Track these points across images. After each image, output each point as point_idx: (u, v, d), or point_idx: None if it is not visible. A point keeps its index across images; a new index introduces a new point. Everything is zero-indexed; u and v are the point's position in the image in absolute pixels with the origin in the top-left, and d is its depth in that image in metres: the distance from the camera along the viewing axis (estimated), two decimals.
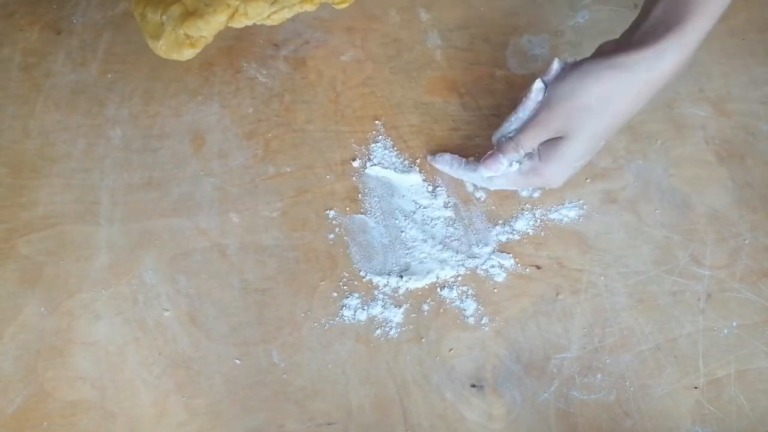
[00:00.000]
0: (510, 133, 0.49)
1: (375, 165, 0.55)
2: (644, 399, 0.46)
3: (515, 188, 0.53)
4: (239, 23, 0.43)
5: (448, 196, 0.54)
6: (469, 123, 0.58)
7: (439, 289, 0.50)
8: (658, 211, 0.53)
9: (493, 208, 0.54)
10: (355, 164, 0.56)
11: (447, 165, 0.54)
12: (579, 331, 0.48)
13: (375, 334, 0.48)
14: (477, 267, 0.51)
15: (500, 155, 0.50)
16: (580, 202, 0.54)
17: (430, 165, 0.55)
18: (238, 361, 0.47)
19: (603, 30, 0.62)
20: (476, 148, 0.56)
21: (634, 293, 0.50)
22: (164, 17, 0.42)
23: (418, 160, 0.56)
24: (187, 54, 0.42)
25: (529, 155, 0.49)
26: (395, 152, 0.56)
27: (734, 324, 0.49)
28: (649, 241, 0.52)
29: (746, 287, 0.50)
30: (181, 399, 0.46)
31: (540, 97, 0.47)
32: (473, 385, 0.46)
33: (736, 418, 0.45)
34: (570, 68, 0.46)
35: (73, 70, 0.60)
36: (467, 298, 0.50)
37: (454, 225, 0.53)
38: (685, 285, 0.50)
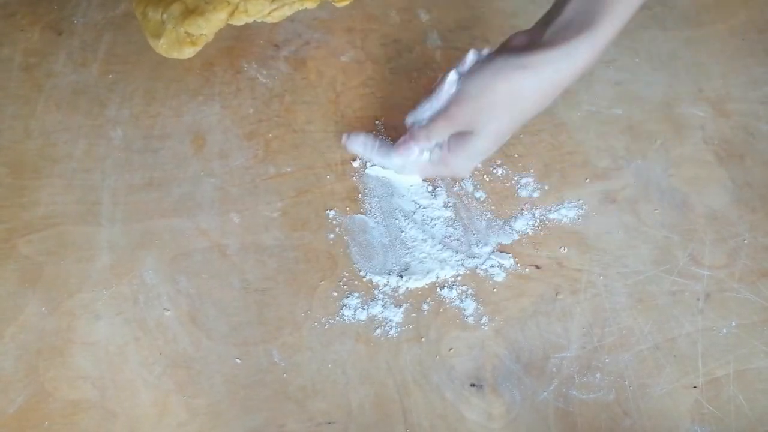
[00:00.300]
0: (423, 121, 0.50)
1: (375, 165, 0.55)
2: (643, 398, 0.46)
3: (423, 176, 0.54)
4: (239, 21, 0.43)
5: (448, 196, 0.54)
6: None
7: (438, 289, 0.50)
8: (657, 211, 0.53)
9: (492, 208, 0.54)
10: (355, 164, 0.56)
11: (360, 146, 0.54)
12: (578, 331, 0.48)
13: (375, 334, 0.48)
14: (477, 267, 0.51)
15: (413, 143, 0.51)
16: (580, 202, 0.54)
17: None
18: (238, 361, 0.47)
19: None
20: None
21: (633, 293, 0.50)
22: (165, 16, 0.42)
23: None
24: (188, 52, 0.42)
25: (439, 145, 0.50)
26: None
27: (733, 324, 0.49)
28: (648, 241, 0.52)
29: (745, 287, 0.50)
30: (181, 399, 0.46)
31: (453, 90, 0.47)
32: (473, 385, 0.47)
33: (735, 417, 0.45)
34: (482, 63, 0.46)
35: (74, 71, 0.60)
36: (467, 297, 0.50)
37: (454, 225, 0.53)
38: (684, 285, 0.50)
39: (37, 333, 0.48)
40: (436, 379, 0.47)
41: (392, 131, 0.57)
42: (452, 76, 0.47)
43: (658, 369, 0.47)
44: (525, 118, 0.47)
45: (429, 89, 0.49)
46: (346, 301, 0.49)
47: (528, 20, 0.63)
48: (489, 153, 0.49)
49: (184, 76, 0.60)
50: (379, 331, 0.48)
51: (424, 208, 0.54)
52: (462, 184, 0.55)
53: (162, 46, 0.42)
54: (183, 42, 0.42)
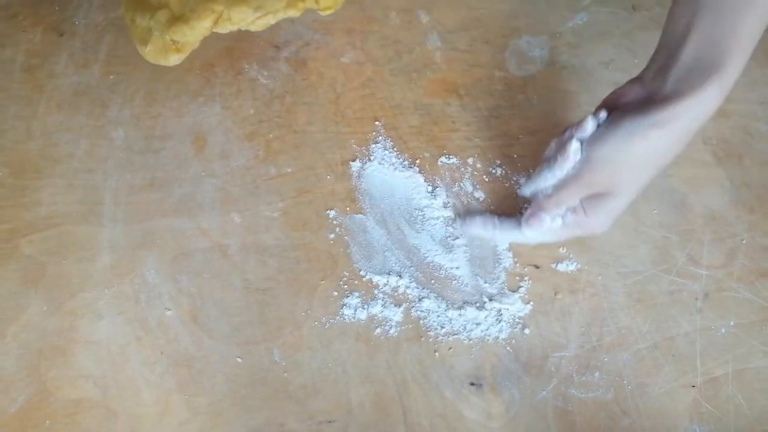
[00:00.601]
0: (548, 189, 0.48)
1: (375, 165, 0.56)
2: (642, 397, 0.46)
3: (557, 240, 0.51)
4: (224, 28, 0.43)
5: (448, 197, 0.54)
6: (469, 124, 0.58)
7: None
8: (655, 211, 0.54)
9: (492, 207, 0.54)
10: (356, 165, 0.56)
11: (480, 227, 0.52)
12: (577, 330, 0.49)
13: (375, 333, 0.48)
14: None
15: (542, 213, 0.48)
16: None
17: (434, 175, 0.55)
18: (239, 360, 0.47)
19: (601, 31, 0.62)
20: (475, 149, 0.57)
21: (631, 293, 0.50)
22: (152, 22, 0.43)
23: (417, 161, 0.56)
24: (174, 59, 0.43)
25: (570, 209, 0.48)
26: (395, 153, 0.56)
27: (731, 323, 0.49)
28: (646, 241, 0.52)
29: (743, 287, 0.50)
30: (182, 398, 0.46)
31: (578, 156, 0.46)
32: (472, 384, 0.47)
33: (734, 416, 0.46)
34: (608, 126, 0.44)
35: (76, 72, 0.61)
36: None
37: (454, 225, 0.53)
38: (682, 284, 0.50)
39: (39, 332, 0.48)
40: (436, 378, 0.47)
41: (392, 132, 0.57)
42: (575, 145, 0.45)
43: (657, 368, 0.47)
44: (662, 168, 0.45)
45: (544, 158, 0.48)
46: (346, 300, 0.50)
47: (528, 22, 0.64)
48: (628, 206, 0.47)
49: (185, 77, 0.60)
50: (379, 330, 0.49)
51: (424, 208, 0.54)
52: (461, 184, 0.55)
53: (148, 53, 0.42)
54: (168, 49, 0.43)
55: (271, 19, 0.43)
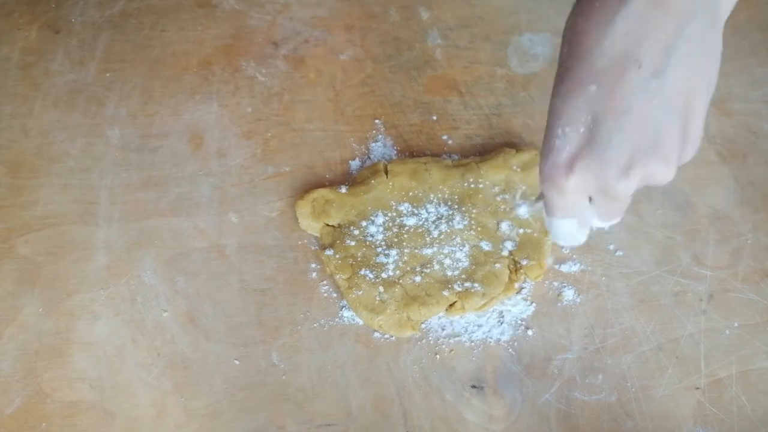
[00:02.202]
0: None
1: (375, 164, 0.55)
2: (646, 400, 0.46)
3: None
4: (455, 314, 0.48)
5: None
6: (470, 122, 0.58)
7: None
8: (659, 211, 0.53)
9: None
10: (355, 163, 0.55)
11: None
12: (580, 332, 0.48)
13: (375, 335, 0.48)
14: None
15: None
16: None
17: None
18: (237, 362, 0.47)
19: None
20: (476, 148, 0.56)
21: (635, 293, 0.49)
22: (385, 296, 0.48)
23: None
24: (408, 334, 0.48)
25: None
26: (395, 151, 0.56)
27: (736, 324, 0.48)
28: (650, 242, 0.52)
29: (748, 287, 0.50)
30: (180, 400, 0.46)
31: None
32: (474, 386, 0.46)
33: (738, 418, 0.45)
34: None
35: (72, 69, 0.60)
36: None
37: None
38: (686, 285, 0.50)
39: (35, 333, 0.48)
40: (437, 380, 0.46)
41: (392, 130, 0.57)
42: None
43: (661, 370, 0.47)
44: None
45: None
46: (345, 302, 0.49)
47: (529, 18, 0.63)
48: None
49: (182, 74, 0.60)
50: (378, 332, 0.48)
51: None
52: None
53: (380, 324, 0.47)
54: (404, 325, 0.47)
55: (494, 303, 0.48)
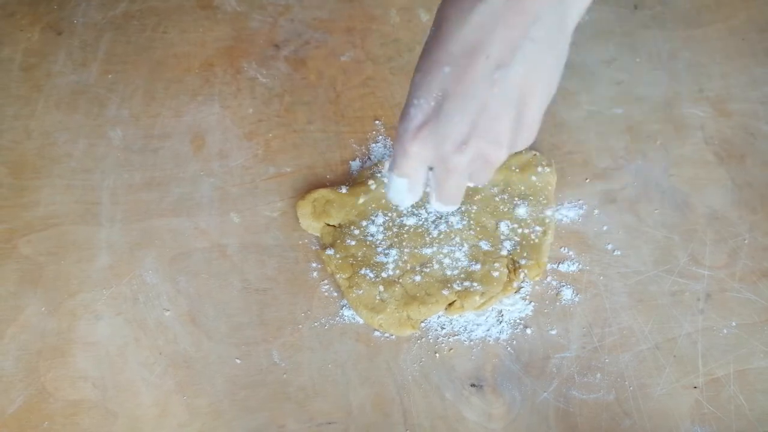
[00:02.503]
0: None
1: (375, 165, 0.55)
2: (643, 398, 0.46)
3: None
4: (454, 313, 0.49)
5: None
6: None
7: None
8: (657, 211, 0.53)
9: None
10: (355, 164, 0.56)
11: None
12: (578, 331, 0.48)
13: (375, 334, 0.48)
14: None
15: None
16: (580, 202, 0.54)
17: None
18: (238, 361, 0.47)
19: (603, 30, 0.62)
20: None
21: (633, 293, 0.50)
22: (386, 295, 0.48)
23: None
24: (408, 332, 0.48)
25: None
26: None
27: (733, 324, 0.49)
28: (648, 241, 0.52)
29: (746, 287, 0.50)
30: (182, 399, 0.46)
31: None
32: (473, 385, 0.46)
33: (735, 417, 0.45)
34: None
35: (74, 71, 0.60)
36: None
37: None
38: (684, 285, 0.50)
39: (37, 333, 0.48)
40: (436, 379, 0.47)
41: (392, 131, 0.57)
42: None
43: (659, 369, 0.47)
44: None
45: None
46: (346, 301, 0.49)
47: None
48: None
49: (184, 76, 0.60)
50: (379, 331, 0.48)
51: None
52: None
53: (380, 322, 0.48)
54: (404, 323, 0.48)
55: (492, 302, 0.48)
